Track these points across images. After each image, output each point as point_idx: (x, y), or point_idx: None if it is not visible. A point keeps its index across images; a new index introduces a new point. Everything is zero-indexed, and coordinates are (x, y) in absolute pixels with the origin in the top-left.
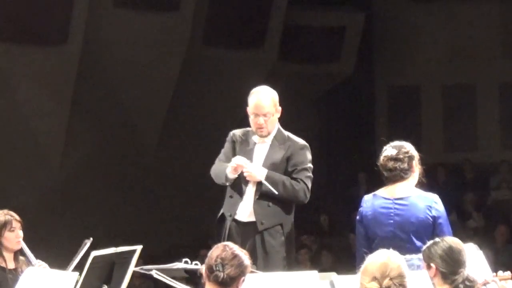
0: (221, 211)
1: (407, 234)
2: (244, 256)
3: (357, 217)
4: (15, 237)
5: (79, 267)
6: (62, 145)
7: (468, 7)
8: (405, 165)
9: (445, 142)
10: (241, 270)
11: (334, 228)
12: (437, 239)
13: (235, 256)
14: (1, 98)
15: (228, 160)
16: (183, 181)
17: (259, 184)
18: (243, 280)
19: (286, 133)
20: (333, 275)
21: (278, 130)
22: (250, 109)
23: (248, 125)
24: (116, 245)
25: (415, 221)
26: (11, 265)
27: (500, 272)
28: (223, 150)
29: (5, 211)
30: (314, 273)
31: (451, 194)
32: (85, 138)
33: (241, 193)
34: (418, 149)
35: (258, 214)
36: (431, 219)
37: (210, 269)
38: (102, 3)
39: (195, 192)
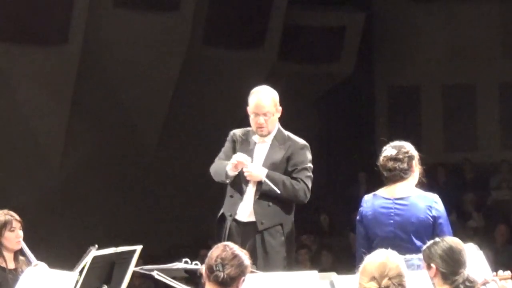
0: (221, 211)
1: (407, 234)
2: (244, 256)
3: (357, 217)
4: (15, 237)
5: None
6: (62, 145)
7: (468, 7)
8: (405, 165)
9: (445, 142)
10: (241, 270)
11: (334, 228)
12: (437, 239)
13: (235, 256)
14: (1, 98)
15: (228, 159)
16: (183, 181)
17: (259, 184)
18: (243, 280)
19: (286, 133)
20: (333, 275)
21: (278, 130)
22: (250, 109)
23: (248, 125)
24: (116, 245)
25: (415, 221)
26: (11, 265)
27: (500, 272)
28: (223, 149)
29: (5, 211)
30: (314, 273)
31: (451, 194)
32: (85, 138)
33: (241, 193)
34: (418, 149)
35: (258, 214)
36: (431, 219)
37: (210, 269)
38: (102, 3)
39: (195, 192)
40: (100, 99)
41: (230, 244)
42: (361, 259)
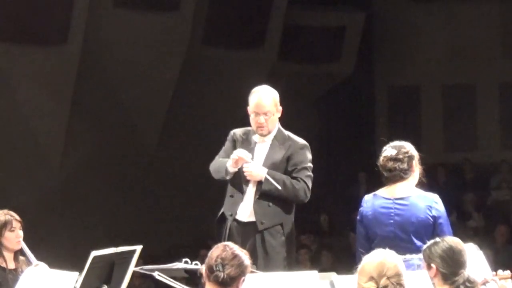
0: (221, 211)
1: (407, 234)
2: (244, 256)
3: (358, 217)
4: (15, 237)
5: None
6: (62, 145)
7: (468, 7)
8: (405, 165)
9: (445, 142)
10: (241, 270)
11: (334, 228)
12: (437, 239)
13: (235, 256)
14: (1, 98)
15: (228, 157)
16: (183, 181)
17: (259, 183)
18: (243, 280)
19: (287, 132)
20: (333, 275)
21: (279, 129)
22: (250, 108)
23: (248, 125)
24: (116, 245)
25: (415, 221)
26: (11, 265)
27: (500, 271)
28: (223, 148)
29: (5, 211)
30: (314, 273)
31: (451, 194)
32: (85, 138)
33: (241, 193)
34: (418, 149)
35: (258, 214)
36: (431, 219)
37: (210, 269)
38: (102, 3)
39: (195, 192)
40: (100, 99)
41: (230, 244)
42: (361, 259)
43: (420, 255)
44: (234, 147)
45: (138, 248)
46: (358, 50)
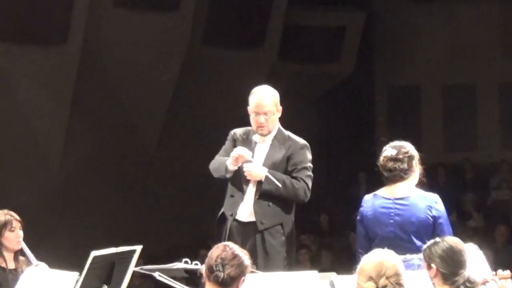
0: (222, 210)
1: (407, 234)
2: (244, 256)
3: (358, 217)
4: (15, 237)
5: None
6: (62, 145)
7: (468, 7)
8: (405, 165)
9: (445, 142)
10: (241, 270)
11: (334, 228)
12: (437, 239)
13: (235, 256)
14: (1, 98)
15: (228, 156)
16: (183, 181)
17: (259, 183)
18: (243, 280)
19: (287, 132)
20: (333, 275)
21: (279, 129)
22: (251, 108)
23: (248, 124)
24: (116, 245)
25: (415, 221)
26: (11, 265)
27: (499, 271)
28: (223, 147)
29: (5, 211)
30: (314, 273)
31: (451, 194)
32: (85, 138)
33: (242, 193)
34: (418, 149)
35: (258, 214)
36: (431, 219)
37: (210, 269)
38: (102, 3)
39: (195, 192)
40: (100, 99)
41: (230, 244)
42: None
43: (420, 255)
44: (234, 147)
45: (138, 248)
46: (358, 50)
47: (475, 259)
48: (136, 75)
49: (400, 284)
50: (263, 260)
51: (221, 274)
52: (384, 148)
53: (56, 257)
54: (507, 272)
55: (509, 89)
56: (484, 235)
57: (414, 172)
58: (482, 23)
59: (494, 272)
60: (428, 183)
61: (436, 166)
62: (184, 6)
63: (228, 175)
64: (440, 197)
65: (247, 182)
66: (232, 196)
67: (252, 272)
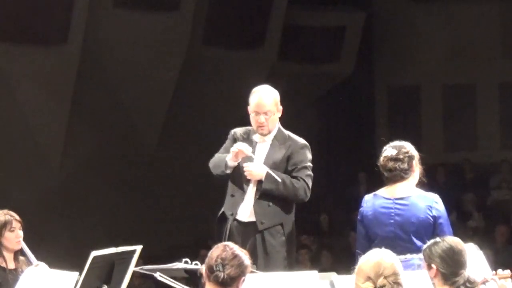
0: (222, 210)
1: (407, 234)
2: (244, 256)
3: (358, 217)
4: (15, 237)
5: (79, 267)
6: (62, 145)
7: (468, 7)
8: (405, 165)
9: (445, 142)
10: (241, 270)
11: (334, 228)
12: (437, 239)
13: (235, 256)
14: (1, 98)
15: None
16: (183, 181)
17: (259, 183)
18: (243, 280)
19: (287, 132)
20: (333, 275)
21: (279, 129)
22: (251, 108)
23: (248, 124)
24: (116, 245)
25: (415, 221)
26: (11, 265)
27: (499, 271)
28: (224, 146)
29: (5, 211)
30: (314, 273)
31: (451, 194)
32: (85, 138)
33: (242, 193)
34: (418, 149)
35: (258, 214)
36: (431, 219)
37: (211, 269)
38: (102, 3)
39: (195, 192)
40: (100, 99)
41: (230, 244)
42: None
43: (420, 255)
44: None
45: (138, 248)
46: (358, 50)
47: (475, 259)
48: (136, 75)
49: (398, 284)
50: (263, 260)
51: (221, 274)
52: (384, 148)
53: (56, 257)
54: (507, 271)
55: (509, 89)
56: (484, 235)
57: (414, 172)
58: (482, 23)
59: (494, 272)
60: (428, 183)
61: (436, 166)
62: (184, 6)
63: (227, 171)
64: (440, 197)
65: (248, 181)
66: (232, 195)
67: (252, 272)
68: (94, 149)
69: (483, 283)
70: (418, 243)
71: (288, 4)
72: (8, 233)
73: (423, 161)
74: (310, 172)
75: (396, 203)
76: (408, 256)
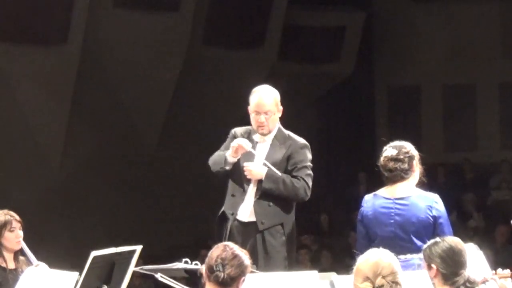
0: (222, 209)
1: (407, 234)
2: (244, 256)
3: (358, 217)
4: (15, 237)
5: (79, 267)
6: (62, 145)
7: (468, 7)
8: (406, 165)
9: (445, 142)
10: (241, 270)
11: (334, 228)
12: (437, 239)
13: (235, 256)
14: (1, 98)
15: None
16: (183, 181)
17: (259, 183)
18: (243, 280)
19: (287, 132)
20: (333, 275)
21: (279, 129)
22: (251, 107)
23: (248, 124)
24: (116, 245)
25: (415, 221)
26: (11, 265)
27: (499, 270)
28: (224, 144)
29: (5, 211)
30: (314, 273)
31: (451, 194)
32: (85, 138)
33: (242, 192)
34: (418, 149)
35: (258, 214)
36: (431, 219)
37: (211, 269)
38: (102, 3)
39: (195, 192)
40: (100, 99)
41: (230, 244)
42: None
43: (421, 255)
44: None
45: (138, 248)
46: (358, 50)
47: (475, 259)
48: (136, 75)
49: (396, 283)
50: (264, 260)
51: (221, 274)
52: (385, 148)
53: (56, 257)
54: (507, 271)
55: (509, 89)
56: (484, 235)
57: (414, 172)
58: (482, 23)
59: (494, 271)
60: (428, 183)
61: (436, 166)
62: (184, 6)
63: (227, 167)
64: (440, 197)
65: (248, 181)
66: (233, 195)
67: (252, 272)
68: (94, 149)
69: (483, 282)
70: (418, 243)
71: (288, 4)
72: (8, 233)
73: (423, 161)
74: (310, 172)
75: (396, 203)
76: (408, 256)
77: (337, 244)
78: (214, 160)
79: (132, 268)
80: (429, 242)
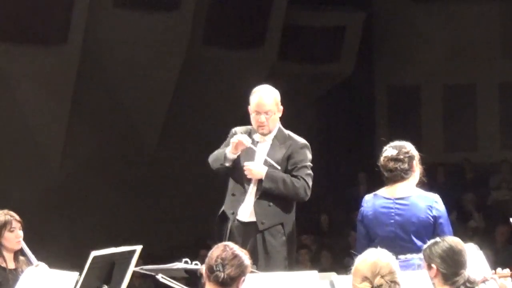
0: (222, 209)
1: (407, 234)
2: (244, 256)
3: (358, 217)
4: (15, 237)
5: (79, 267)
6: (62, 145)
7: (468, 7)
8: (406, 165)
9: (445, 142)
10: (241, 270)
11: (334, 228)
12: (437, 239)
13: (235, 256)
14: (1, 98)
15: None
16: (183, 181)
17: (259, 183)
18: (243, 280)
19: (287, 132)
20: (333, 275)
21: (279, 129)
22: (251, 107)
23: (248, 124)
24: (116, 245)
25: (415, 221)
26: (11, 265)
27: (499, 270)
28: (224, 143)
29: (5, 211)
30: (314, 273)
31: (451, 194)
32: (85, 138)
33: (243, 192)
34: (418, 149)
35: (258, 214)
36: (431, 219)
37: (211, 269)
38: (102, 3)
39: (195, 192)
40: (100, 99)
41: (230, 244)
42: None
43: (421, 255)
44: None
45: (138, 248)
46: (358, 50)
47: (475, 259)
48: (136, 75)
49: (395, 282)
50: (264, 260)
51: (221, 274)
52: (385, 148)
53: (56, 257)
54: (507, 270)
55: (509, 89)
56: (484, 235)
57: (414, 172)
58: (482, 23)
59: (493, 271)
60: (428, 183)
61: (436, 166)
62: (184, 6)
63: (226, 164)
64: (440, 197)
65: (248, 181)
66: (233, 194)
67: (252, 272)
68: (94, 149)
69: (483, 282)
70: (418, 243)
71: (288, 4)
72: (8, 233)
73: (423, 161)
74: (310, 172)
75: (397, 203)
76: (408, 256)
77: (337, 244)
78: (214, 157)
79: (132, 268)
80: (429, 242)
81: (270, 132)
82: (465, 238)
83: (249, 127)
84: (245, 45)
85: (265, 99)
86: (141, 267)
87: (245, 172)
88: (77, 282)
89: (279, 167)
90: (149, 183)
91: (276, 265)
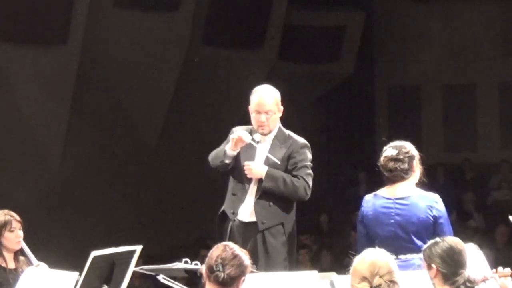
0: (222, 208)
1: (408, 234)
2: (245, 256)
3: (358, 217)
4: (15, 237)
5: (79, 267)
6: (62, 145)
7: (468, 7)
8: (406, 165)
9: (445, 142)
10: (241, 270)
11: (334, 228)
12: (437, 239)
13: (235, 256)
14: (1, 98)
15: None
16: (183, 181)
17: (260, 183)
18: (244, 280)
19: (287, 132)
20: (333, 275)
21: (279, 129)
22: (252, 107)
23: (248, 124)
24: (116, 245)
25: (416, 221)
26: (11, 265)
27: (500, 269)
28: (224, 142)
29: (5, 211)
30: (314, 273)
31: (451, 194)
32: (85, 138)
33: (243, 192)
34: (418, 149)
35: (258, 214)
36: (432, 219)
37: (211, 269)
38: (102, 3)
39: (195, 192)
40: (100, 99)
41: (230, 244)
42: None
43: (421, 255)
44: None
45: (138, 248)
46: (358, 50)
47: (475, 259)
48: (136, 75)
49: (394, 282)
50: (264, 260)
51: (221, 274)
52: (385, 148)
53: (56, 257)
54: (508, 269)
55: (509, 89)
56: (484, 235)
57: (414, 172)
58: (482, 23)
59: (494, 270)
60: (428, 183)
61: (436, 166)
62: (184, 6)
63: (226, 161)
64: (440, 197)
65: (249, 180)
66: (233, 194)
67: (252, 272)
68: (94, 149)
69: (483, 281)
70: (419, 243)
71: (288, 4)
72: (8, 233)
73: (423, 161)
74: (310, 171)
75: (397, 203)
76: (409, 256)
77: (337, 244)
78: (214, 154)
79: (132, 268)
80: (429, 242)
81: (270, 132)
82: (465, 238)
83: (249, 126)
84: (245, 45)
85: (266, 99)
86: (141, 267)
87: (245, 172)
88: (77, 282)
89: (279, 162)
90: (149, 183)
91: (276, 265)
